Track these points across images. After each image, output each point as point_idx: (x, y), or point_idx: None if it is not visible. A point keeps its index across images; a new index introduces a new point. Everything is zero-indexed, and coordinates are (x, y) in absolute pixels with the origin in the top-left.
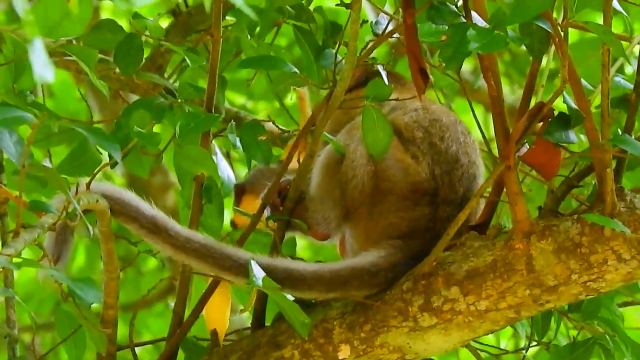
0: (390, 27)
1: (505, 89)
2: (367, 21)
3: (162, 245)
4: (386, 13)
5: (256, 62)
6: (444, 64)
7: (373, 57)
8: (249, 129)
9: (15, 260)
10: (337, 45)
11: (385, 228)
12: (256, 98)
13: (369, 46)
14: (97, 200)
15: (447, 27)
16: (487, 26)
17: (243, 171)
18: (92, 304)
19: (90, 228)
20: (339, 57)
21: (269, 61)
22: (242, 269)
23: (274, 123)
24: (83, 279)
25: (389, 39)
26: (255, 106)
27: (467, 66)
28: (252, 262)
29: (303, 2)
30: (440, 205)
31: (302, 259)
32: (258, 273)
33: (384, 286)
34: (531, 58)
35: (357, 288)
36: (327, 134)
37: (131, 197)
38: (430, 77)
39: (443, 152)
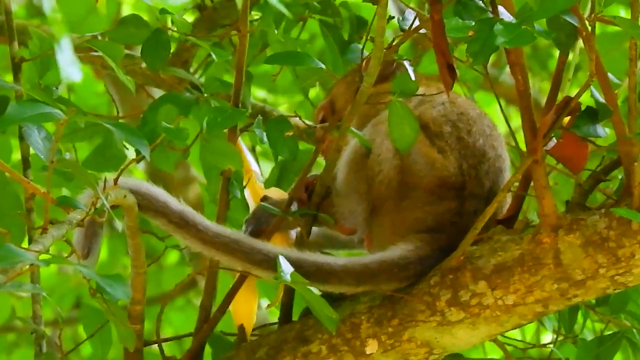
0: (416, 23)
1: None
2: (394, 17)
3: (192, 240)
4: (413, 9)
5: (283, 58)
6: (470, 59)
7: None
8: (276, 124)
9: (43, 256)
10: (363, 40)
11: (412, 222)
12: (279, 92)
13: (395, 42)
14: (125, 196)
15: (473, 22)
16: (514, 21)
17: (269, 166)
18: (120, 300)
19: (119, 224)
20: (365, 52)
21: (296, 57)
22: (272, 263)
23: (300, 118)
24: (112, 275)
25: (415, 34)
26: (276, 99)
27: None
28: (280, 257)
29: None
30: (467, 199)
31: (330, 254)
32: (286, 268)
33: (413, 280)
34: (554, 52)
35: (387, 281)
36: (354, 129)
37: (159, 192)
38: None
39: (470, 145)
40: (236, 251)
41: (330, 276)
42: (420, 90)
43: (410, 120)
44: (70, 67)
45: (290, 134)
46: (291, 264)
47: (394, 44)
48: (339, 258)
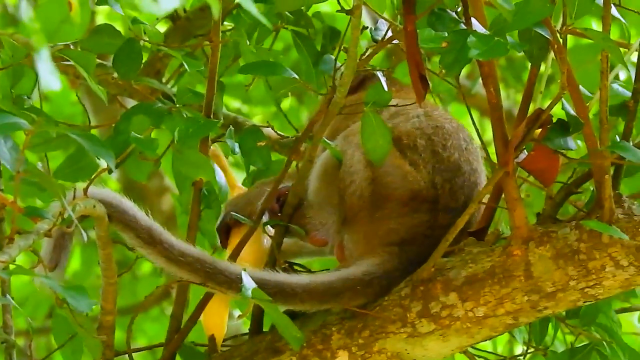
0: (389, 33)
1: (501, 93)
2: (367, 27)
3: (156, 257)
4: (385, 19)
5: (256, 68)
6: (443, 70)
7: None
8: (249, 134)
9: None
10: (336, 51)
11: (385, 234)
12: (253, 103)
13: (368, 52)
14: (94, 206)
15: (447, 34)
16: (487, 33)
17: (241, 176)
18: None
19: (85, 235)
20: (338, 63)
21: (269, 67)
22: (234, 284)
23: (273, 129)
24: (76, 287)
25: (388, 45)
26: (250, 110)
27: (462, 71)
28: (244, 274)
29: (302, 8)
30: (441, 212)
31: (297, 266)
32: (249, 284)
33: (380, 294)
34: (529, 64)
35: (351, 299)
36: (326, 140)
37: (129, 205)
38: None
39: (445, 160)
40: (199, 271)
41: (292, 297)
42: (394, 101)
43: (383, 132)
44: (50, 76)
45: (263, 144)
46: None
47: (367, 54)
48: (302, 276)
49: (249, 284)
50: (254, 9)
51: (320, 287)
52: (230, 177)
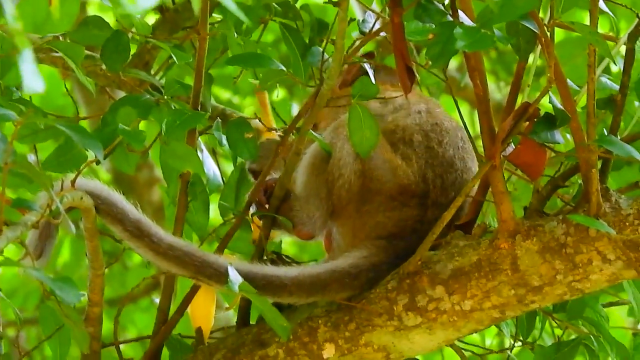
0: (377, 26)
1: (492, 86)
2: (355, 19)
3: (144, 250)
4: (373, 11)
5: (243, 60)
6: (430, 63)
7: (366, 54)
8: (236, 126)
9: None
10: (324, 43)
11: (373, 227)
12: (243, 94)
13: (356, 44)
14: (82, 198)
15: (434, 26)
16: (474, 25)
17: (229, 168)
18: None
19: (73, 226)
20: (326, 55)
21: (256, 59)
22: (223, 277)
23: (260, 120)
24: (63, 278)
25: (376, 37)
26: (242, 101)
27: (452, 63)
28: (230, 268)
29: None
30: (430, 207)
31: (286, 258)
32: (235, 279)
33: (366, 287)
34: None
35: (338, 291)
36: (313, 132)
37: (118, 198)
38: (417, 75)
39: (439, 155)
40: (188, 264)
41: (280, 290)
42: (388, 94)
43: (370, 124)
44: (33, 79)
45: (250, 135)
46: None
47: (355, 46)
48: (290, 269)
49: (235, 277)
50: (232, 6)
51: (308, 279)
52: (267, 118)
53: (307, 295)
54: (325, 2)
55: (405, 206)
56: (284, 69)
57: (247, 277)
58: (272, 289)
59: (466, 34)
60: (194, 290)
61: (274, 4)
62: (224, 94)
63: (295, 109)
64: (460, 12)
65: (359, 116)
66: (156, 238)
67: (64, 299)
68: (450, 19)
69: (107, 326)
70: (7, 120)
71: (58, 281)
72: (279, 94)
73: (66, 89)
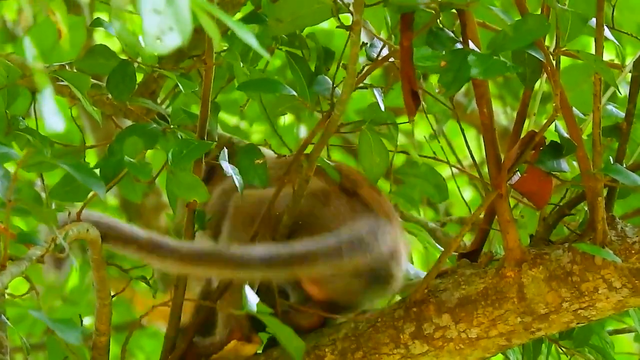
0: (385, 51)
1: (499, 110)
2: (366, 43)
3: (166, 260)
4: (380, 39)
5: (253, 86)
6: (442, 90)
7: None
8: (246, 152)
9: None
10: (332, 68)
11: None
12: (249, 120)
13: (365, 70)
14: (88, 230)
15: (444, 52)
16: (486, 52)
17: None
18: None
19: (75, 262)
20: (330, 81)
21: (267, 84)
22: (248, 262)
23: (270, 147)
24: (64, 320)
25: (384, 63)
26: (248, 127)
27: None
28: (245, 288)
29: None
30: None
31: None
32: (252, 299)
33: None
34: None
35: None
36: (324, 159)
37: (124, 224)
38: (423, 103)
39: None
40: (214, 261)
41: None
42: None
43: (379, 150)
44: (54, 117)
45: (261, 161)
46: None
47: (364, 72)
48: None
49: (250, 296)
50: (249, 38)
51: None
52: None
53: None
54: (337, 27)
55: None
56: (295, 93)
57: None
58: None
59: (479, 61)
60: (200, 318)
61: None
62: (231, 120)
63: (302, 133)
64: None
65: (369, 141)
66: (174, 245)
67: (65, 340)
68: (461, 45)
69: (115, 352)
70: (9, 160)
71: (59, 323)
72: (287, 119)
73: (72, 118)
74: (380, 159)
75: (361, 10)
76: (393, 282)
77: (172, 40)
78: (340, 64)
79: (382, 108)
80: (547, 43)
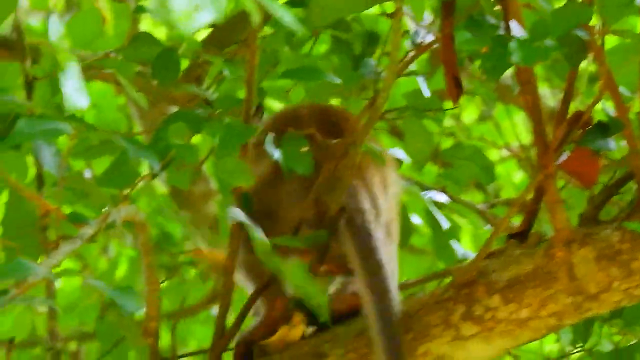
0: (430, 38)
1: (546, 92)
2: (407, 31)
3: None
4: (421, 27)
5: (296, 74)
6: (481, 76)
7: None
8: (291, 141)
9: (54, 270)
10: (377, 54)
11: None
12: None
13: (409, 57)
14: (136, 212)
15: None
16: (527, 37)
17: None
18: (132, 312)
19: (129, 238)
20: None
21: (310, 72)
22: None
23: (316, 134)
24: (123, 287)
25: (428, 49)
26: None
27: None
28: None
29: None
30: None
31: None
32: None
33: None
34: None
35: None
36: (371, 145)
37: None
38: (469, 85)
39: None
40: None
41: None
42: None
43: (425, 136)
44: (76, 94)
45: (306, 149)
46: None
47: (407, 58)
48: None
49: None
50: (288, 18)
51: None
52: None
53: None
54: (380, 14)
55: None
56: (339, 81)
57: None
58: None
59: (521, 48)
60: (251, 302)
61: None
62: (277, 105)
63: None
64: (512, 23)
65: (414, 128)
66: None
67: (123, 308)
68: (502, 31)
69: (166, 339)
70: (62, 133)
71: (118, 290)
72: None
73: (119, 104)
74: (426, 145)
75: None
76: None
77: (205, 16)
78: (384, 50)
79: (427, 94)
80: (592, 22)
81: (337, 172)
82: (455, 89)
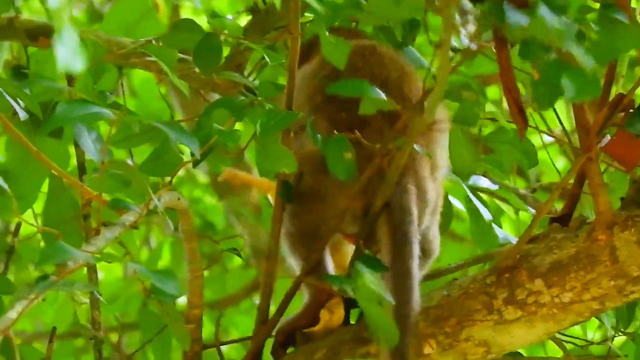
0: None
1: None
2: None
3: None
4: (466, 40)
5: (342, 87)
6: (533, 106)
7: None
8: (334, 144)
9: (95, 256)
10: (418, 39)
11: None
12: None
13: (454, 65)
14: (179, 198)
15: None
16: (581, 69)
17: None
18: (173, 297)
19: (171, 225)
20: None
21: (356, 86)
22: None
23: (359, 138)
24: (163, 271)
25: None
26: None
27: None
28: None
29: None
30: None
31: None
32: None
33: None
34: None
35: None
36: (416, 147)
37: None
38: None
39: None
40: None
41: None
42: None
43: (468, 147)
44: (70, 57)
45: (349, 155)
46: None
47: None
48: None
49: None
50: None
51: None
52: (262, 186)
53: None
54: (426, 10)
55: None
56: (384, 97)
57: None
58: None
59: (574, 81)
60: (292, 291)
61: (364, 2)
62: None
63: None
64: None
65: (459, 139)
66: None
67: (164, 291)
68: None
69: (209, 329)
70: (102, 118)
71: (158, 273)
72: None
73: (160, 94)
74: (470, 156)
75: (450, 30)
76: None
77: None
78: (427, 38)
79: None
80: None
81: (384, 168)
82: (520, 116)
